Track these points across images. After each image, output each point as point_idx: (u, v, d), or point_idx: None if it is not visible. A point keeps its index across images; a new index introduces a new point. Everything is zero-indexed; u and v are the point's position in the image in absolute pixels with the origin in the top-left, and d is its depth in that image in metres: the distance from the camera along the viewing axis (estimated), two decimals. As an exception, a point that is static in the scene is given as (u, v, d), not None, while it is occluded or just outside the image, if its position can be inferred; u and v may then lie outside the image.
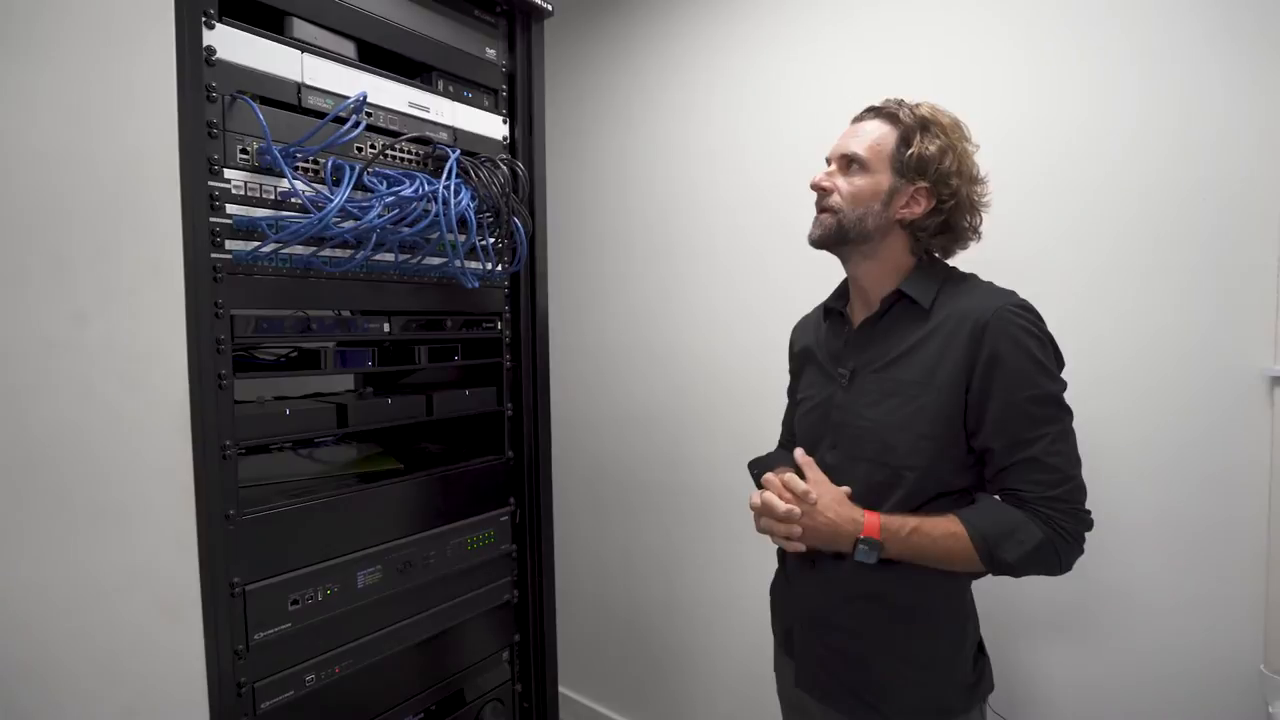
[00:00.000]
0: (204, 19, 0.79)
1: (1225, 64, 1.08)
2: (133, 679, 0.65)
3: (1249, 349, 1.07)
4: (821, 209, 0.99)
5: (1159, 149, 1.14)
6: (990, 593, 1.01)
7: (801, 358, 1.14)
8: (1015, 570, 0.87)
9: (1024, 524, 0.86)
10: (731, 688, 1.75)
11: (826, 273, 1.11)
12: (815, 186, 1.00)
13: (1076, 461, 0.88)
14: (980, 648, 1.00)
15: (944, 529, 0.88)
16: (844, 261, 1.03)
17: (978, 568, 0.88)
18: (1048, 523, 0.85)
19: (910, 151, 0.94)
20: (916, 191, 0.95)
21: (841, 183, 0.97)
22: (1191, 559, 1.13)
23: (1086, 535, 0.88)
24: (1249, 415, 1.07)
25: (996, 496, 0.91)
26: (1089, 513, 0.88)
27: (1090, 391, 1.14)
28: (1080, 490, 0.88)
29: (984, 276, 0.99)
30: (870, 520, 0.89)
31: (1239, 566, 1.09)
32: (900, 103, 0.97)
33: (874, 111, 0.99)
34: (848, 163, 0.98)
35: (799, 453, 0.97)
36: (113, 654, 0.63)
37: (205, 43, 0.79)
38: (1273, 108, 1.05)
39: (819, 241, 1.00)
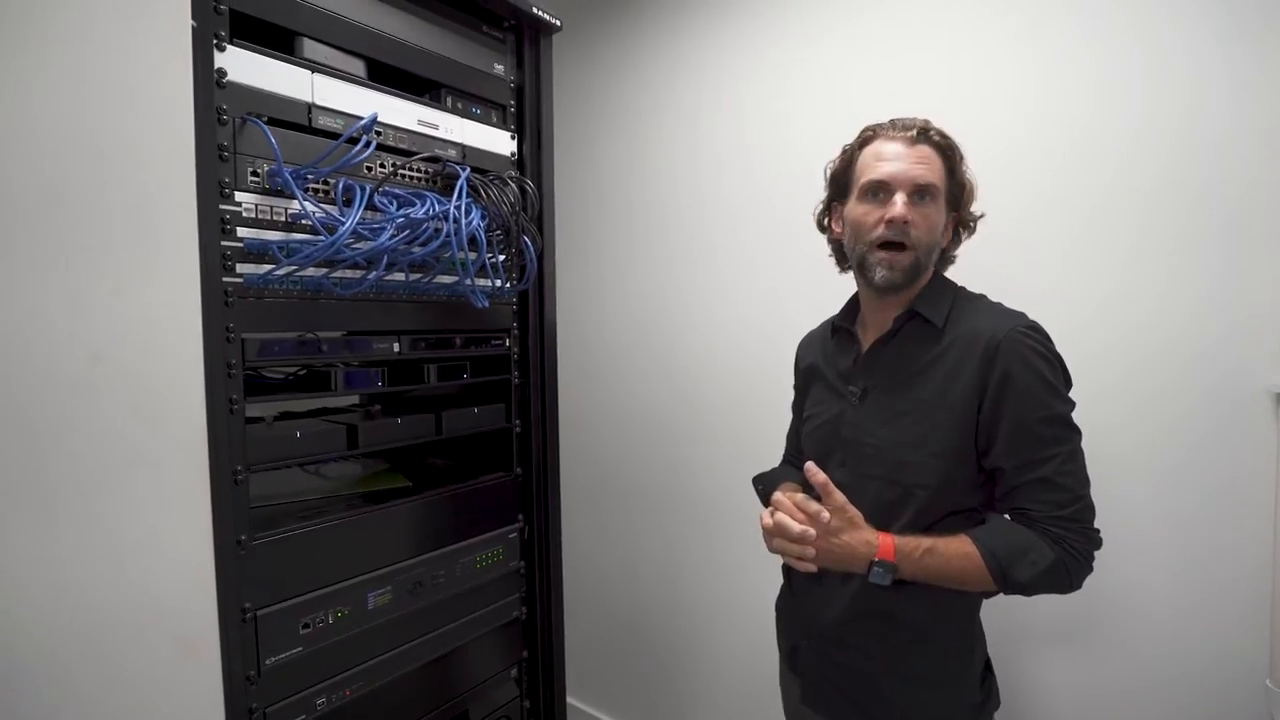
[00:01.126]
0: (215, 41, 0.78)
1: (1231, 67, 1.08)
2: (145, 707, 0.64)
3: (1255, 365, 1.08)
4: (894, 246, 0.93)
5: (1163, 162, 1.14)
6: (996, 608, 1.01)
7: (808, 374, 1.14)
8: (1028, 590, 0.88)
9: (1036, 544, 0.86)
10: (738, 695, 1.76)
11: (831, 279, 1.11)
12: (900, 219, 0.91)
13: (1086, 481, 0.89)
14: (987, 665, 1.01)
15: (957, 550, 0.88)
16: (890, 295, 0.98)
17: (990, 588, 0.88)
18: (1059, 542, 0.86)
19: (964, 187, 0.96)
20: (950, 221, 0.98)
21: (917, 216, 0.92)
22: (1197, 574, 1.14)
23: (1095, 554, 0.88)
24: (1254, 430, 1.08)
25: (1006, 516, 0.92)
26: (1098, 531, 0.89)
27: (1096, 406, 1.15)
28: (1090, 510, 0.88)
29: (991, 290, 1.00)
30: (884, 542, 0.89)
31: (1244, 582, 1.09)
32: (931, 126, 0.96)
33: (923, 137, 0.94)
34: (916, 191, 0.93)
35: (815, 470, 0.92)
36: (126, 683, 0.62)
37: (216, 65, 0.79)
38: (1276, 115, 1.04)
39: (901, 284, 0.94)
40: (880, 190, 0.95)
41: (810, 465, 0.93)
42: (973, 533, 0.89)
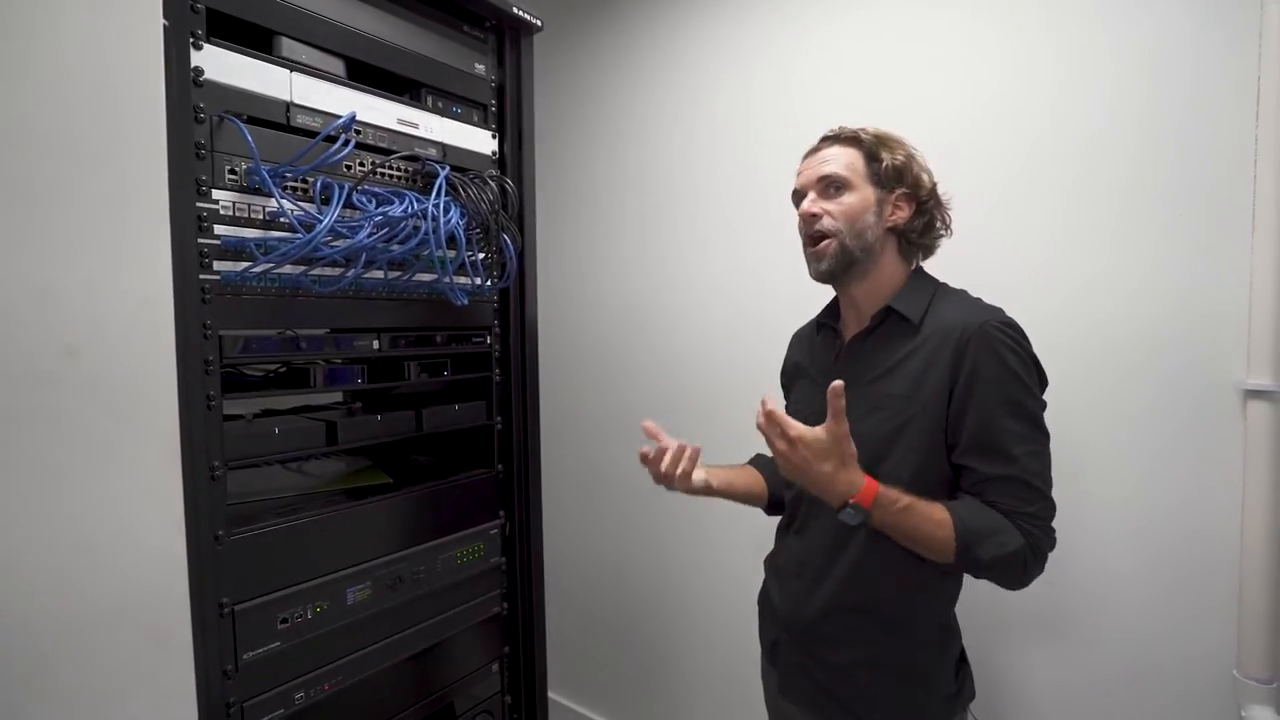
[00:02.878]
0: (191, 40, 0.79)
1: (1199, 59, 1.10)
2: (118, 701, 0.65)
3: (1224, 362, 1.10)
4: (818, 236, 0.99)
5: (1132, 156, 1.16)
6: (972, 601, 1.03)
7: (794, 372, 1.16)
8: (982, 570, 0.88)
9: (1008, 530, 0.87)
10: (722, 689, 1.77)
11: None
12: (806, 214, 0.99)
13: (1050, 481, 0.90)
14: (962, 657, 1.02)
15: (932, 515, 0.87)
16: (844, 285, 1.03)
17: (946, 559, 0.88)
18: (1025, 535, 0.87)
19: (884, 164, 0.98)
20: (898, 198, 0.99)
21: (830, 205, 0.98)
22: (1167, 567, 1.16)
23: (1050, 554, 0.90)
24: (1223, 426, 1.10)
25: None
26: (1054, 531, 0.90)
27: (1067, 403, 1.17)
28: (1052, 509, 0.90)
29: (962, 281, 1.02)
30: (868, 489, 0.86)
31: (1213, 574, 1.12)
32: (852, 129, 1.01)
33: (831, 140, 1.02)
34: (827, 186, 0.99)
35: (833, 390, 0.84)
36: (98, 676, 0.63)
37: (193, 63, 0.79)
38: (1246, 112, 1.06)
39: (827, 273, 0.99)
40: (798, 197, 1.03)
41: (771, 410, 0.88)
42: (950, 504, 0.89)
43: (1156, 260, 1.15)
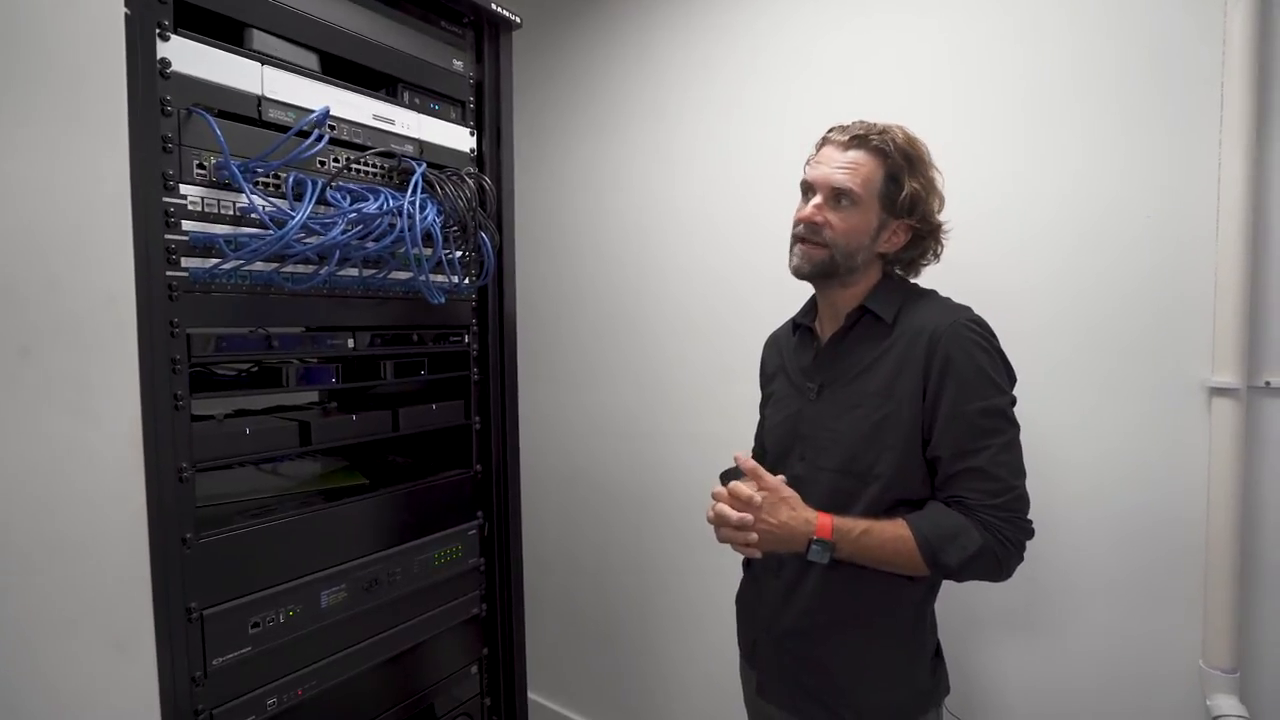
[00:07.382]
0: (158, 30, 0.77)
1: (1164, 63, 1.12)
2: (80, 711, 0.63)
3: (1189, 361, 1.12)
4: (811, 241, 0.97)
5: (1090, 151, 1.19)
6: (946, 597, 1.04)
7: (771, 372, 1.17)
8: (957, 574, 0.91)
9: (967, 530, 0.89)
10: (701, 689, 1.77)
11: (802, 283, 1.13)
12: (806, 220, 0.97)
13: (1020, 472, 0.92)
14: (938, 652, 1.04)
15: (892, 532, 0.90)
16: (820, 289, 1.04)
17: (923, 570, 0.91)
18: (990, 530, 0.88)
19: (904, 193, 0.95)
20: (899, 227, 0.98)
21: (834, 218, 0.96)
22: (1134, 561, 1.18)
23: (1028, 544, 0.91)
24: (1189, 424, 1.13)
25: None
26: (1030, 522, 0.91)
27: (1037, 401, 1.18)
28: (1022, 500, 0.91)
29: (931, 289, 1.03)
30: (822, 521, 0.91)
31: (1179, 568, 1.14)
32: (883, 131, 0.96)
33: (858, 141, 0.96)
34: (837, 196, 0.96)
35: (743, 458, 0.96)
36: (59, 687, 0.61)
37: (159, 55, 0.77)
38: (1211, 115, 1.08)
39: (808, 274, 0.99)
40: (808, 190, 1.00)
41: (738, 454, 0.97)
42: (908, 517, 0.91)
43: (1123, 261, 1.17)
